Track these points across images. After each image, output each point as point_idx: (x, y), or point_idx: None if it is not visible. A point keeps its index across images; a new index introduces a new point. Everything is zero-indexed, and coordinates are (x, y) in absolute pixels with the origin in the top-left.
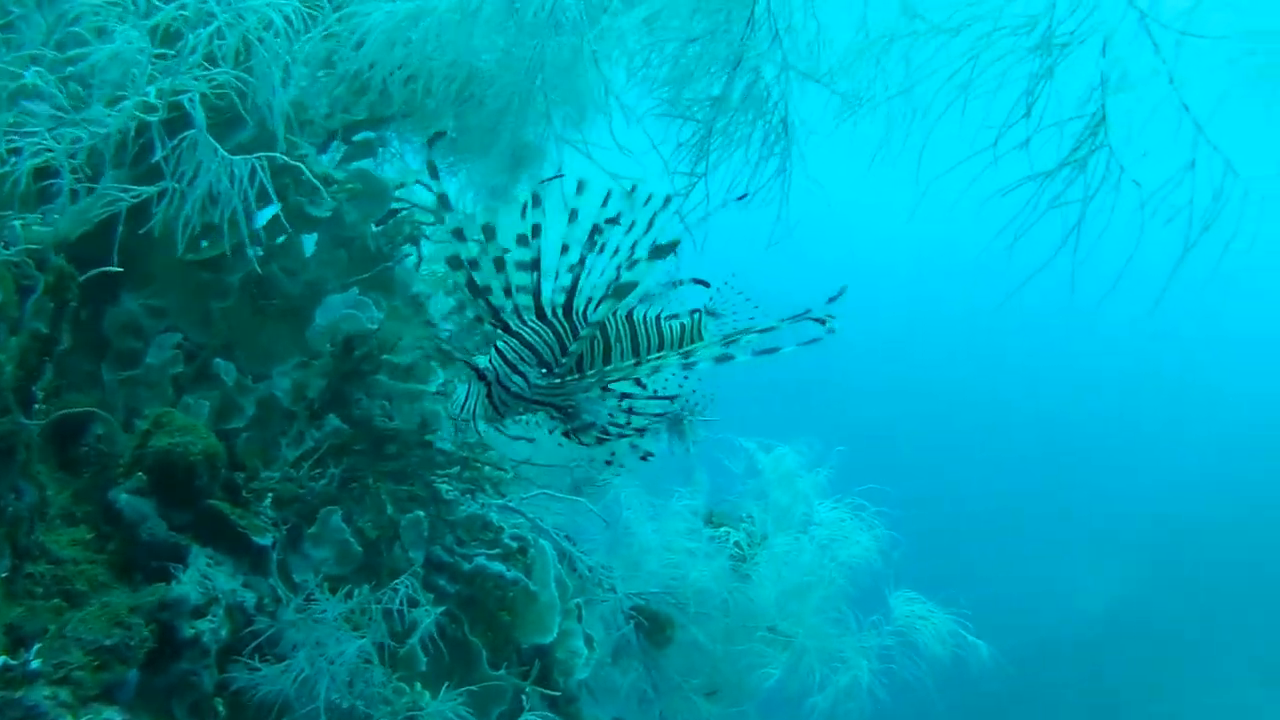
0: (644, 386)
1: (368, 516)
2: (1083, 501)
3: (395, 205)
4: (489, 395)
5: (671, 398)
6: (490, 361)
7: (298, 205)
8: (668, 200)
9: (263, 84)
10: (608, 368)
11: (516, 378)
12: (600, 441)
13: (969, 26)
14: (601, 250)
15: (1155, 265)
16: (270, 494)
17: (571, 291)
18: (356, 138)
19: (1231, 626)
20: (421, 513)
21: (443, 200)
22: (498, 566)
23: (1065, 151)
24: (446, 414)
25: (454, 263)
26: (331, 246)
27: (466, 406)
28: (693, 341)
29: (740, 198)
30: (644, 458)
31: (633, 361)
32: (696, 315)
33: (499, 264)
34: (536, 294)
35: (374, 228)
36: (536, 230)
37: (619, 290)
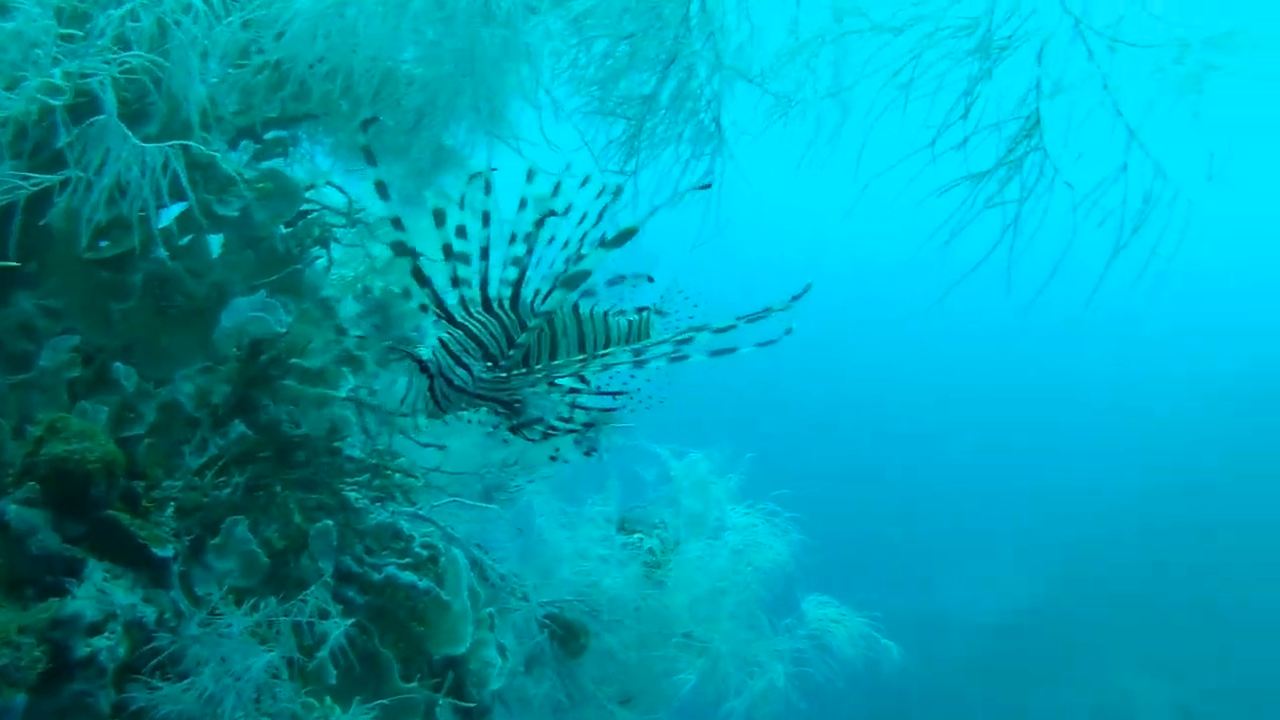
0: (587, 383)
1: (274, 526)
2: (990, 507)
3: (305, 207)
4: (431, 389)
5: (617, 394)
6: (433, 354)
7: (205, 203)
8: (619, 191)
9: (178, 70)
10: (556, 363)
11: (461, 371)
12: (545, 437)
13: (912, 26)
14: (551, 241)
15: (1082, 272)
16: (172, 503)
17: (518, 283)
18: (268, 136)
19: (1118, 623)
20: (330, 522)
21: (380, 188)
22: (409, 576)
23: (1000, 156)
24: (386, 408)
25: (399, 249)
26: (239, 247)
27: (407, 401)
28: (639, 340)
29: (704, 187)
30: (588, 453)
31: (582, 358)
32: (645, 313)
33: (446, 251)
34: (483, 285)
35: (283, 229)
36: (487, 218)
37: (570, 280)
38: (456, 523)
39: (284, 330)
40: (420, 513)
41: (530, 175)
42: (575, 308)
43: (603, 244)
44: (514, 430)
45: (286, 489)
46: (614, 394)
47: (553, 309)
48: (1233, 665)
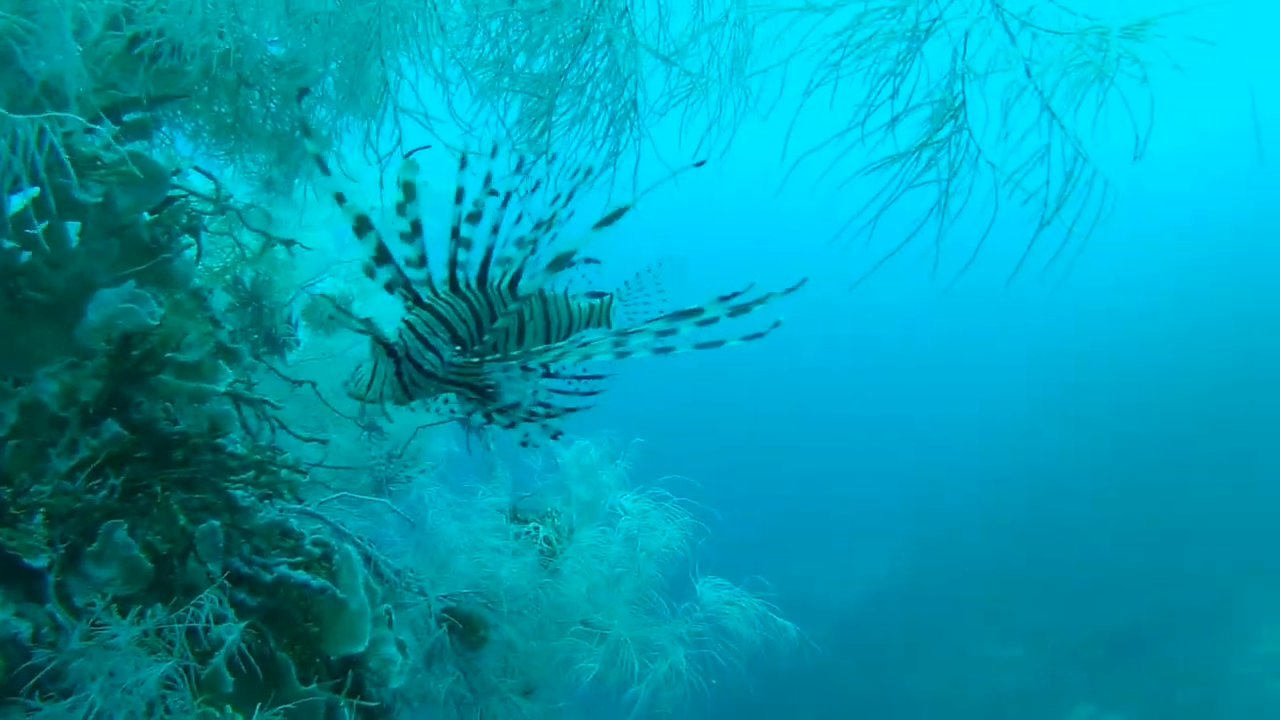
0: (546, 366)
1: (156, 529)
2: (851, 489)
3: (171, 192)
4: (398, 373)
5: (588, 377)
6: (400, 336)
7: (63, 188)
8: (589, 171)
9: (50, 34)
10: (535, 349)
11: (430, 355)
12: (516, 424)
13: (843, 6)
14: (519, 220)
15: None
16: (42, 510)
17: (485, 262)
18: (128, 117)
19: (981, 597)
20: (216, 522)
21: (320, 162)
22: (301, 575)
23: (923, 137)
24: (349, 394)
25: (362, 225)
26: (102, 235)
27: (374, 387)
28: (599, 325)
29: (699, 164)
30: (555, 436)
31: (561, 346)
32: (607, 298)
33: (414, 229)
34: (452, 264)
35: (148, 216)
36: (460, 194)
37: (555, 262)
38: (346, 518)
39: (156, 322)
40: (309, 509)
41: (495, 150)
42: (539, 289)
43: (596, 225)
44: (487, 416)
45: (167, 489)
46: (584, 377)
47: (531, 292)
48: (1090, 625)
